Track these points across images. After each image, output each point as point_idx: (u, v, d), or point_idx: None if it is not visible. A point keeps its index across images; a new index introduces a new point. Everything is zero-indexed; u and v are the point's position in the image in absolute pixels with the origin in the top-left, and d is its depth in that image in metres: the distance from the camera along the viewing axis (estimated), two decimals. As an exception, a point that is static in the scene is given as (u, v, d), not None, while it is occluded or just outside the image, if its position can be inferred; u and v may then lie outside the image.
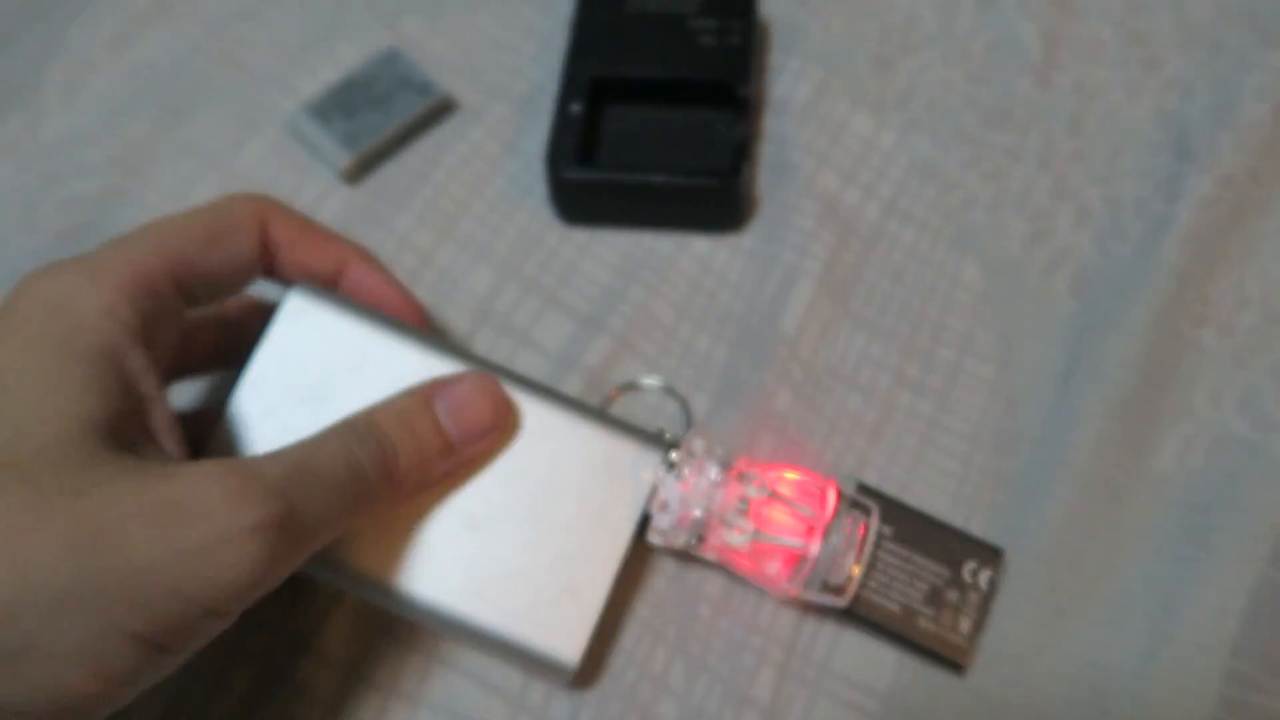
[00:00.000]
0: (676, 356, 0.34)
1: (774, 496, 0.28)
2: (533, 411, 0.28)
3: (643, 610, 0.30)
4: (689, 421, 0.33)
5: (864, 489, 0.31)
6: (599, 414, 0.29)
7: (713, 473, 0.28)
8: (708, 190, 0.35)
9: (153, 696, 0.29)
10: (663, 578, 0.30)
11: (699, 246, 0.37)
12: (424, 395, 0.26)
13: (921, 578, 0.29)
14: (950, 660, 0.29)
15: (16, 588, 0.19)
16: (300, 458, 0.23)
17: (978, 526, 0.31)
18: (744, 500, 0.28)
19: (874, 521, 0.29)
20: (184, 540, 0.20)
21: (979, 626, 0.29)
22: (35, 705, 0.20)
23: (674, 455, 0.28)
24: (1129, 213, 0.37)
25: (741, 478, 0.28)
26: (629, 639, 0.30)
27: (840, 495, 0.28)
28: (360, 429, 0.24)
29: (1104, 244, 0.36)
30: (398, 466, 0.25)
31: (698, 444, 0.28)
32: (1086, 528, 0.31)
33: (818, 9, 0.41)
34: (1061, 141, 0.38)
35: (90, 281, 0.23)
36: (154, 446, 0.23)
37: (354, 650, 0.30)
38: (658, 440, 0.29)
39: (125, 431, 0.22)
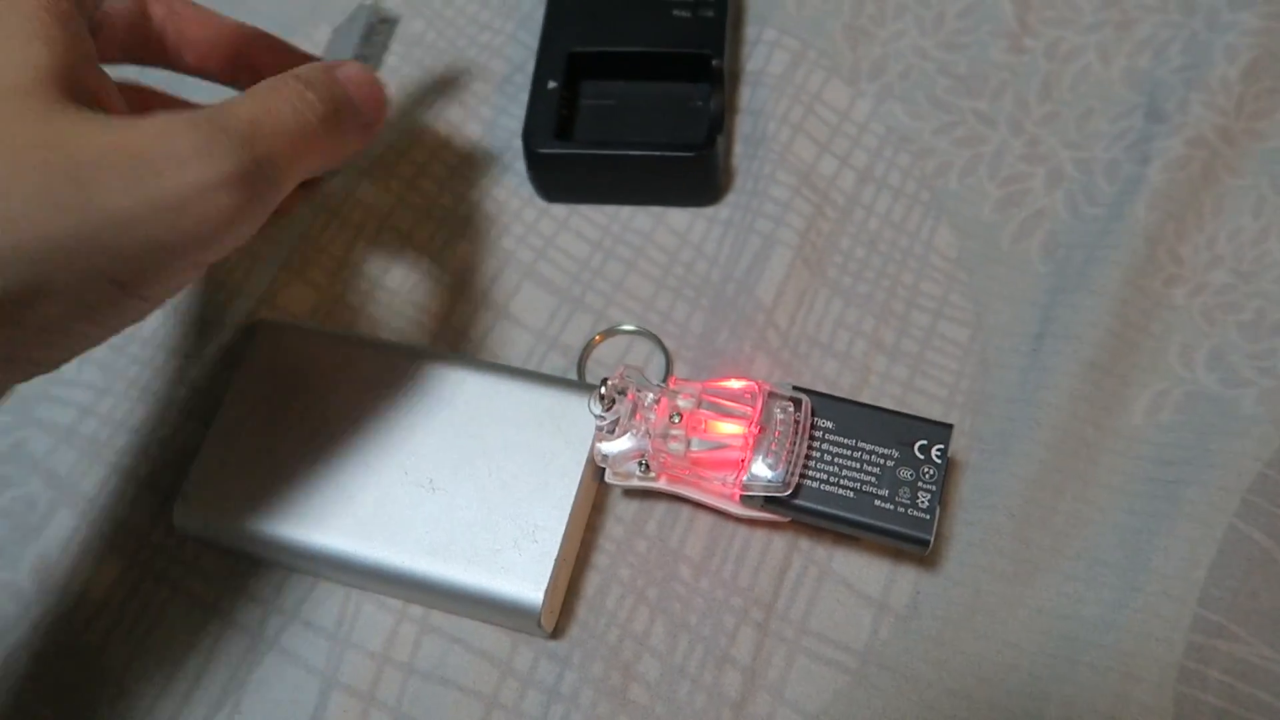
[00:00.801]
0: (655, 327, 0.35)
1: (701, 404, 0.29)
2: (478, 381, 0.32)
3: (624, 572, 0.31)
4: (668, 362, 0.34)
5: (798, 389, 0.30)
6: (541, 376, 0.32)
7: (647, 399, 0.30)
8: (683, 162, 0.36)
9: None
10: (643, 540, 0.31)
11: (676, 219, 0.37)
12: (326, 65, 0.27)
13: (871, 462, 0.29)
14: (914, 537, 0.28)
15: (8, 236, 0.20)
16: (257, 109, 0.24)
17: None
18: (676, 413, 0.29)
19: (805, 408, 0.29)
20: (158, 191, 0.21)
21: (938, 501, 0.29)
22: (53, 352, 0.22)
23: (602, 389, 0.30)
24: (1101, 175, 0.37)
25: (670, 394, 0.30)
26: (611, 600, 0.30)
27: (769, 392, 0.29)
28: (302, 78, 0.25)
29: (1076, 206, 0.37)
30: (337, 114, 0.26)
31: (622, 374, 0.30)
32: (1059, 484, 0.32)
33: (792, -20, 0.42)
34: (1034, 106, 0.39)
35: None
36: (105, 105, 0.23)
37: (344, 619, 0.30)
38: (597, 389, 0.30)
39: (79, 85, 0.22)
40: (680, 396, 0.30)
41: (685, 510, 0.32)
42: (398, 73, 0.41)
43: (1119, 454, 0.32)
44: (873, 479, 0.29)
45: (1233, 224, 0.36)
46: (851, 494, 0.29)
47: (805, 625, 0.30)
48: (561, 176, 0.37)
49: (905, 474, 0.29)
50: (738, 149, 0.38)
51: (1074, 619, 0.30)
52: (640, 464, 0.30)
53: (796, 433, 0.29)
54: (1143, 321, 0.34)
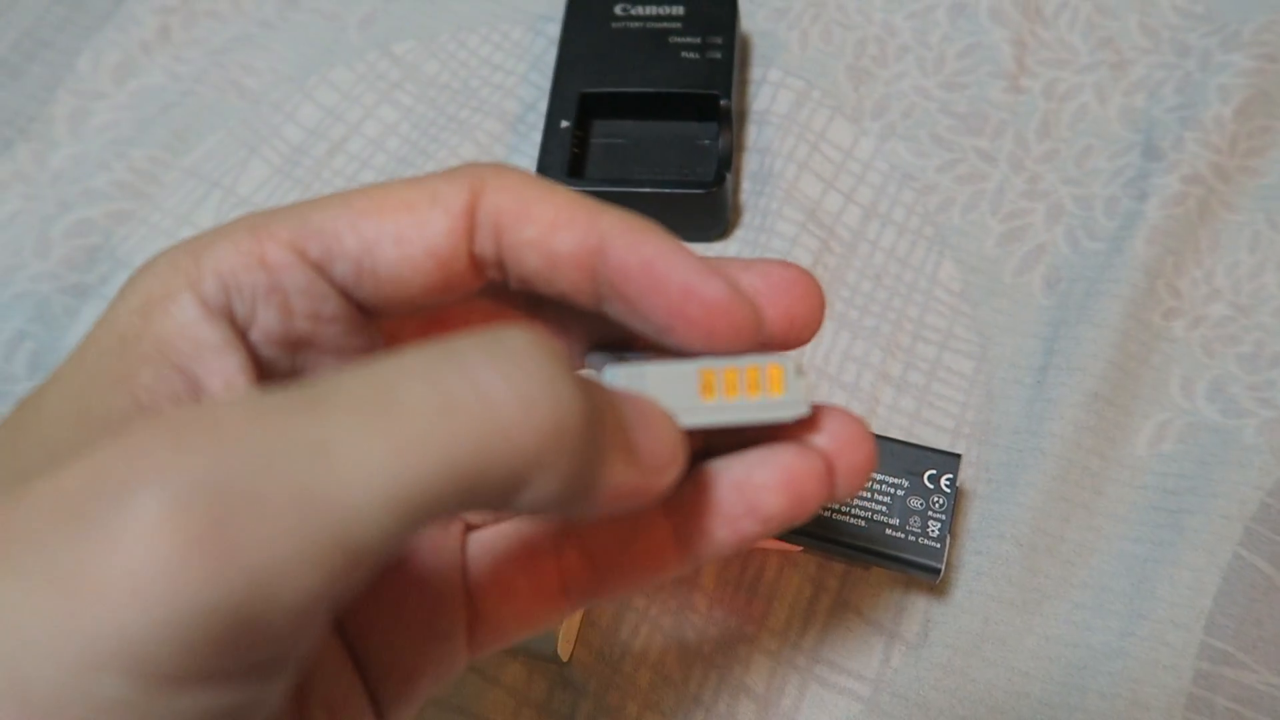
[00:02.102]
0: (667, 360, 0.36)
1: None
2: None
3: (639, 601, 0.31)
4: None
5: None
6: None
7: None
8: (694, 199, 0.36)
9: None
10: (658, 571, 0.32)
11: (687, 254, 0.38)
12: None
13: (882, 491, 0.30)
14: (925, 566, 0.29)
15: None
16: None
17: (959, 514, 0.33)
18: None
19: None
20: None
21: (949, 529, 0.29)
22: None
23: None
24: (1100, 210, 0.38)
25: None
26: (626, 629, 0.31)
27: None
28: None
29: (1076, 241, 0.38)
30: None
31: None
32: (1065, 513, 0.32)
33: (796, 22, 0.43)
34: (1034, 144, 0.40)
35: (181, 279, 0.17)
36: None
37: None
38: None
39: None
40: None
41: (698, 540, 0.32)
42: (412, 112, 0.42)
43: (1123, 484, 0.33)
44: (884, 508, 0.29)
45: (1230, 258, 0.37)
46: (863, 523, 0.29)
47: (818, 654, 0.31)
48: (574, 213, 0.38)
49: (915, 503, 0.29)
50: (745, 186, 0.39)
51: (1082, 647, 0.30)
52: None
53: None
54: (1143, 353, 0.35)
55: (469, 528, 0.21)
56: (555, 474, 0.14)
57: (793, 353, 0.18)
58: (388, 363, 0.14)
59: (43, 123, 0.41)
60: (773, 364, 0.18)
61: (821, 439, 0.19)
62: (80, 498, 0.12)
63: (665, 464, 0.17)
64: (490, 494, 0.14)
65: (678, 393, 0.18)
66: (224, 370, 0.17)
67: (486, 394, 0.13)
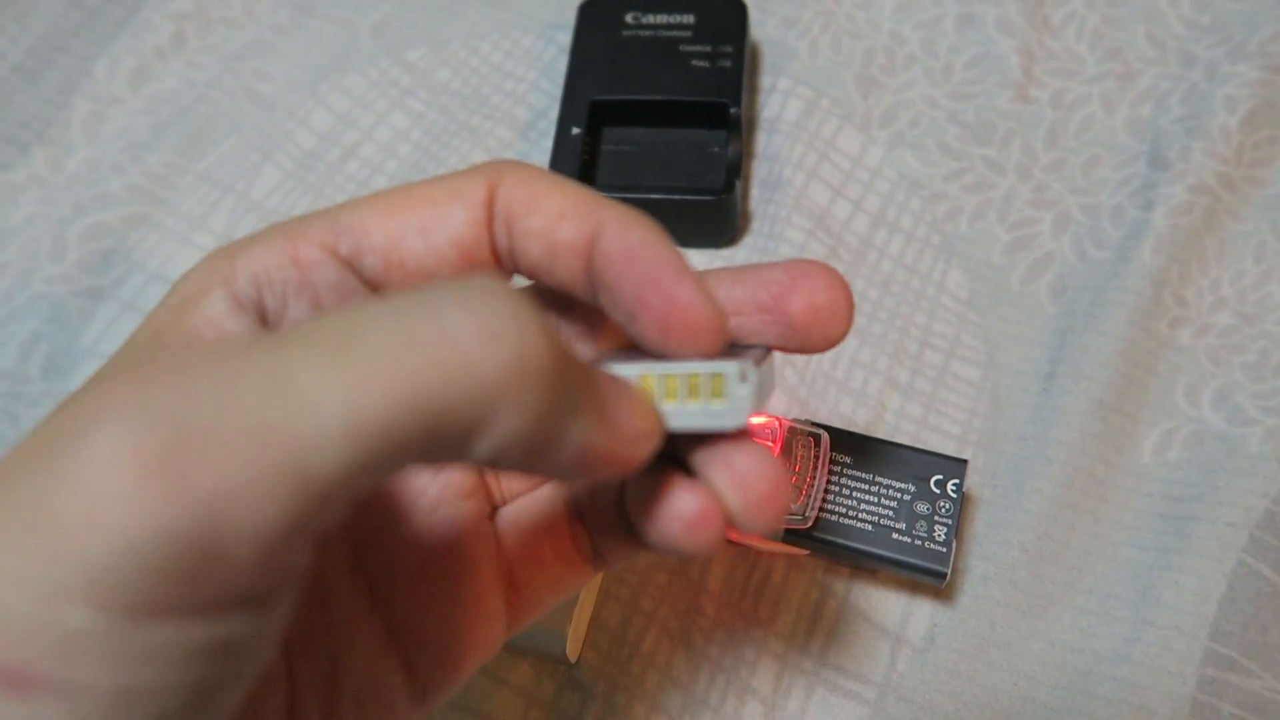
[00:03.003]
0: (676, 365, 0.36)
1: None
2: None
3: (646, 603, 0.31)
4: None
5: (817, 424, 0.31)
6: None
7: None
8: (703, 206, 0.37)
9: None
10: (665, 573, 0.32)
11: (695, 260, 0.38)
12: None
13: (889, 496, 0.30)
14: (931, 570, 0.29)
15: None
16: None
17: (966, 520, 0.33)
18: None
19: (824, 443, 0.30)
20: None
21: (955, 534, 0.29)
22: None
23: None
24: (1106, 219, 0.38)
25: None
26: (633, 631, 0.31)
27: (789, 427, 0.30)
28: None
29: (1083, 249, 0.38)
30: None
31: None
32: (1071, 520, 0.32)
33: (806, 32, 0.43)
34: (1041, 153, 0.40)
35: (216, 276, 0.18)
36: None
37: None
38: None
39: None
40: None
41: (706, 544, 0.32)
42: (424, 119, 0.42)
43: (1129, 491, 0.33)
44: (890, 513, 0.30)
45: (1235, 268, 0.37)
46: (870, 527, 0.30)
47: (824, 657, 0.31)
48: (584, 219, 0.38)
49: (922, 508, 0.30)
50: (754, 193, 0.40)
51: (1088, 652, 0.30)
52: None
53: (816, 467, 0.30)
54: (1150, 362, 0.35)
55: (494, 509, 0.22)
56: (519, 412, 0.14)
57: (750, 358, 0.18)
58: (355, 306, 0.14)
59: (59, 127, 0.42)
60: (719, 371, 0.17)
61: (721, 475, 0.18)
62: (47, 437, 0.13)
63: (639, 435, 0.17)
64: (453, 431, 0.14)
65: None
66: None
67: (450, 327, 0.13)
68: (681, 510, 0.18)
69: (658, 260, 0.18)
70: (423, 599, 0.20)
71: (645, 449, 0.17)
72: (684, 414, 0.18)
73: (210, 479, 0.12)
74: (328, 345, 0.13)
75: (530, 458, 0.15)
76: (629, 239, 0.18)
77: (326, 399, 0.13)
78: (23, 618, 0.12)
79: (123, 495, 0.12)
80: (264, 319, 0.18)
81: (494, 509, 0.22)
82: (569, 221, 0.18)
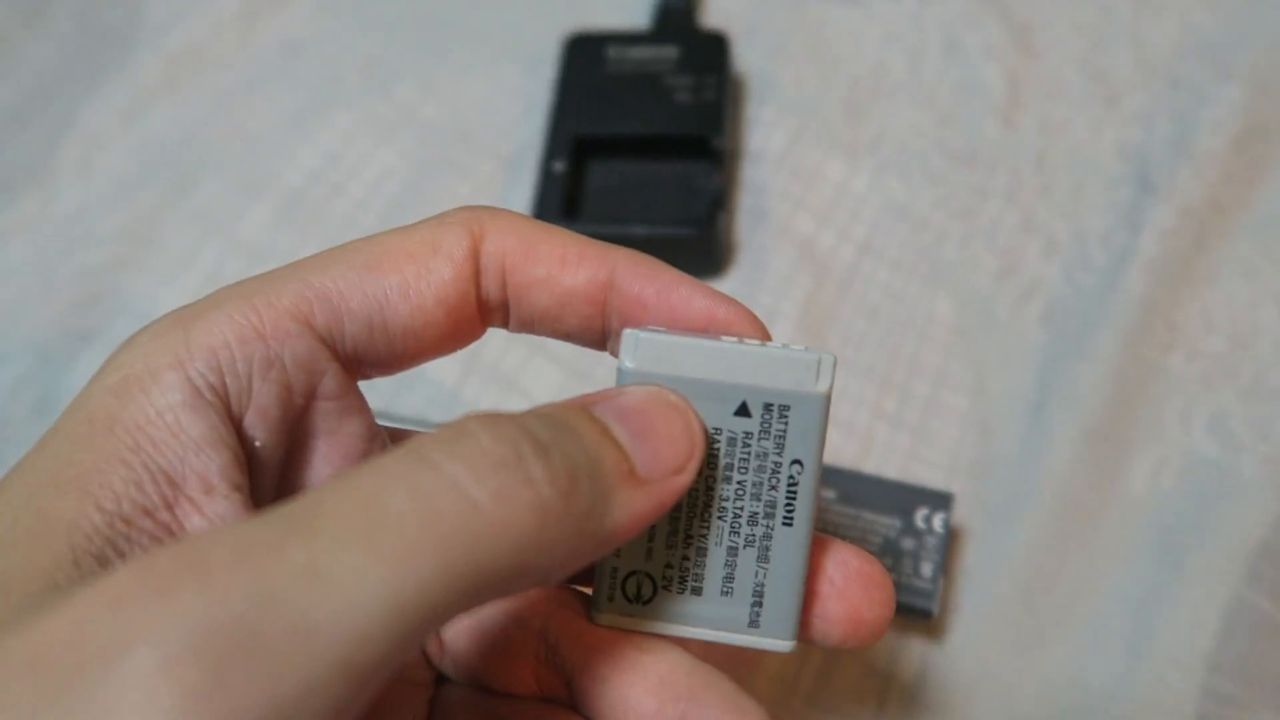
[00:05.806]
0: (662, 399, 0.36)
1: None
2: None
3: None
4: None
5: None
6: None
7: None
8: (687, 239, 0.37)
9: None
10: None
11: (681, 292, 0.38)
12: (577, 403, 0.17)
13: (874, 531, 0.30)
14: (918, 608, 0.29)
15: None
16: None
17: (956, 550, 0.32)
18: None
19: None
20: None
21: (941, 570, 0.29)
22: None
23: None
24: (1094, 244, 0.38)
25: None
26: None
27: None
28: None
29: (1071, 275, 0.37)
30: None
31: None
32: (1063, 551, 0.32)
33: (789, 61, 0.43)
34: (1028, 178, 0.40)
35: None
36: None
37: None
38: None
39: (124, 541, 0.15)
40: None
41: (692, 581, 0.32)
42: (410, 155, 0.42)
43: (1122, 520, 0.33)
44: (875, 549, 0.29)
45: (1226, 291, 0.37)
46: None
47: (814, 698, 0.30)
48: (569, 253, 0.38)
49: (908, 544, 0.29)
50: (740, 224, 0.39)
51: (1082, 689, 0.30)
52: None
53: None
54: (1140, 388, 0.35)
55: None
56: (554, 550, 0.14)
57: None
58: (364, 475, 0.14)
59: (49, 170, 0.42)
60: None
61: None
62: (65, 658, 0.12)
63: (678, 466, 0.16)
64: (497, 585, 0.14)
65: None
66: (205, 471, 0.16)
67: (464, 494, 0.13)
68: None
69: (699, 294, 0.18)
70: None
71: (689, 475, 0.17)
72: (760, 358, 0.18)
73: (259, 687, 0.11)
74: (357, 529, 0.13)
75: (584, 560, 0.15)
76: (659, 281, 0.18)
77: (368, 588, 0.12)
78: None
79: None
80: (228, 411, 0.16)
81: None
82: (576, 267, 0.18)
